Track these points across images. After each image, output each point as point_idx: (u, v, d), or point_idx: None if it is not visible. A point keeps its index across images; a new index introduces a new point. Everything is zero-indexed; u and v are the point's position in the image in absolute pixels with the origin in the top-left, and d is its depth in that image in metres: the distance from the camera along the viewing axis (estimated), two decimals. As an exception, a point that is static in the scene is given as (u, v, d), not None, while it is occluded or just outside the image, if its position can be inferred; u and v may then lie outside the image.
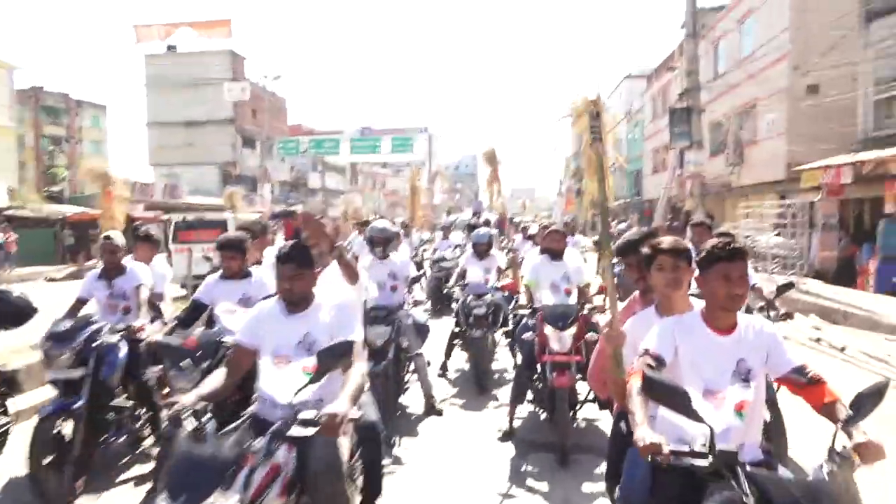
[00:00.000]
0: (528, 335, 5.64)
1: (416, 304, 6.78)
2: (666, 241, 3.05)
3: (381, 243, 6.50)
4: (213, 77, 43.09)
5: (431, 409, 6.38)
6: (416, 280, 6.81)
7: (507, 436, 5.69)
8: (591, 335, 5.32)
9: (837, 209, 16.40)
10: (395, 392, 6.04)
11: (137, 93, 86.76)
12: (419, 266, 12.69)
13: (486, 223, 13.79)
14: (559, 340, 5.28)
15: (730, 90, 22.93)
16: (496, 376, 7.77)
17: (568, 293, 6.04)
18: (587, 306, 5.78)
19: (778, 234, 14.78)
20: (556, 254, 6.22)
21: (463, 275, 8.18)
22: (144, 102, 47.21)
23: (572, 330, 5.32)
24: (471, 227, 14.65)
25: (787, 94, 19.42)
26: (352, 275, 3.85)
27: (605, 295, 8.18)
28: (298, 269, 3.18)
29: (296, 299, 3.21)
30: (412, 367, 6.41)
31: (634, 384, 2.43)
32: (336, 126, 64.13)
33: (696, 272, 2.67)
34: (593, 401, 5.51)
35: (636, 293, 3.45)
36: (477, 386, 7.21)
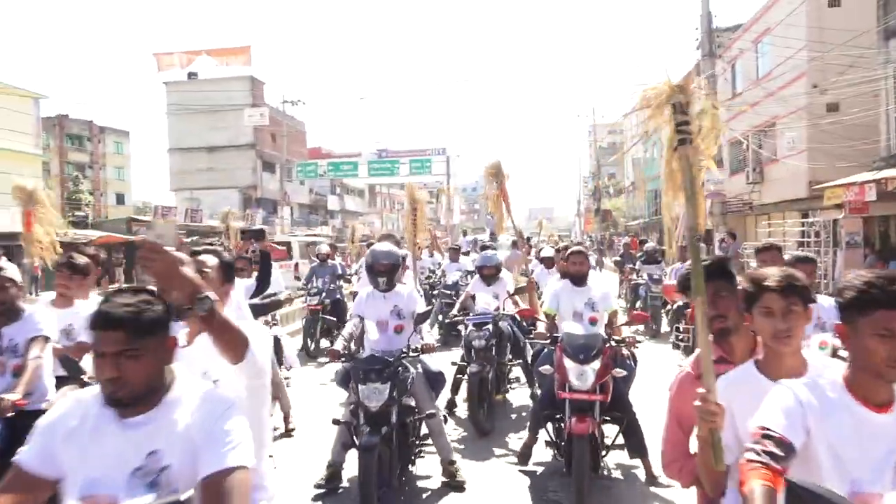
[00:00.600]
0: (546, 368, 4.98)
1: (426, 349, 4.96)
2: (773, 274, 2.19)
3: (386, 272, 5.14)
4: (233, 103, 43.75)
5: (452, 480, 5.04)
6: (424, 317, 5.19)
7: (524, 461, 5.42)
8: (618, 371, 4.80)
9: (861, 227, 16.23)
10: (403, 464, 4.90)
11: (159, 119, 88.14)
12: (429, 295, 12.03)
13: (514, 244, 13.58)
14: (580, 376, 4.57)
15: (748, 109, 22.89)
16: (513, 416, 7.12)
17: (593, 322, 5.44)
18: (615, 338, 5.08)
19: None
20: (579, 278, 5.65)
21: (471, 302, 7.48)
22: (166, 128, 48.02)
23: (596, 364, 4.61)
24: (484, 249, 14.37)
25: (807, 113, 19.35)
26: (232, 345, 2.07)
27: (635, 324, 7.87)
28: (133, 340, 1.71)
29: (130, 396, 1.73)
30: (424, 429, 5.16)
31: (757, 490, 1.61)
32: (354, 149, 64.48)
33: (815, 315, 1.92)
34: (622, 447, 4.99)
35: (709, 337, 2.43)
36: (476, 430, 6.31)
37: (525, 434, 5.60)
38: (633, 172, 50.35)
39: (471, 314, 7.10)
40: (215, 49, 44.35)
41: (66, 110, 55.43)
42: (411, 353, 4.91)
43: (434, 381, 5.17)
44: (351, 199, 63.95)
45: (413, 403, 4.92)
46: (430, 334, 5.61)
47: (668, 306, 10.78)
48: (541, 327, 5.62)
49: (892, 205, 14.92)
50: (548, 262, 9.34)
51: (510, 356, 7.25)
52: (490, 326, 6.65)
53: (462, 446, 6.08)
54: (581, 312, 5.49)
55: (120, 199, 57.04)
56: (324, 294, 10.87)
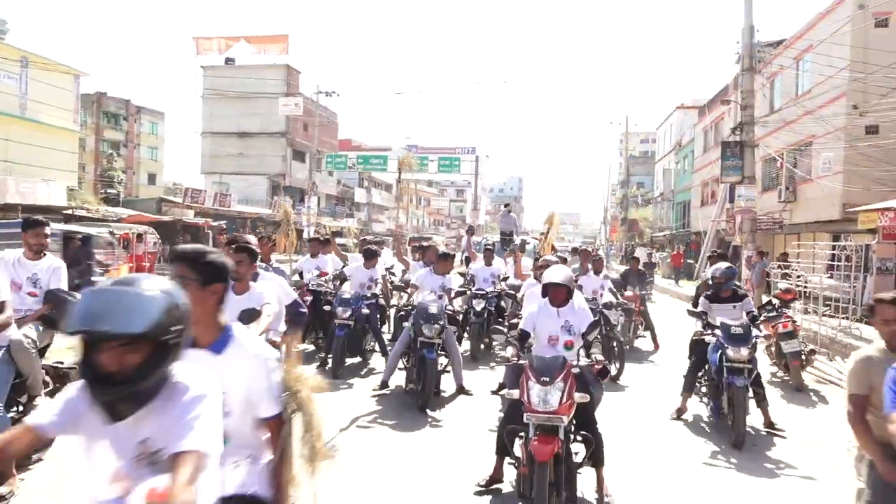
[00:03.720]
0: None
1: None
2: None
3: None
4: (268, 90, 44.14)
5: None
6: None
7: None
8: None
9: (894, 253, 15.94)
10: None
11: (194, 102, 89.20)
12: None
13: (576, 251, 12.61)
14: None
15: (785, 126, 22.57)
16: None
17: None
18: None
19: (830, 276, 14.42)
20: None
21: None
22: (200, 112, 48.58)
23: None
24: (487, 252, 11.34)
25: (845, 134, 19.04)
26: None
27: None
28: None
29: None
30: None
31: None
32: (384, 142, 64.76)
33: None
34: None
35: None
36: None
37: None
38: (663, 183, 49.90)
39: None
40: (254, 36, 44.85)
41: (105, 88, 56.34)
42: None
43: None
44: (378, 192, 64.19)
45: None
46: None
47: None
48: None
49: (928, 233, 14.62)
50: (557, 295, 5.00)
51: None
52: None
53: None
54: None
55: (151, 179, 57.80)
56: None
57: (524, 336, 5.04)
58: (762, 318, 7.42)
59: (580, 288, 9.44)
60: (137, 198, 42.71)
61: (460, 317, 9.73)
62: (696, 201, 38.59)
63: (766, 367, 10.24)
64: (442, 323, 7.42)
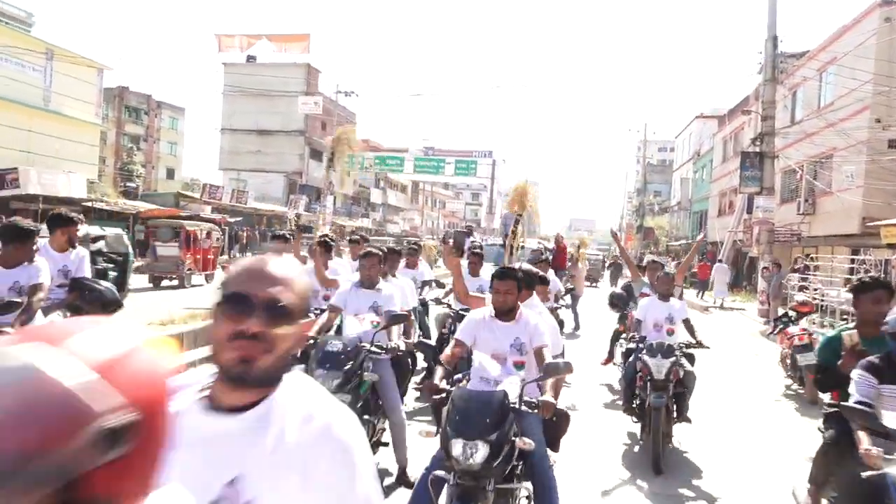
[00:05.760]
0: None
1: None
2: None
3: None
4: (288, 89, 44.36)
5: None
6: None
7: None
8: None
9: (913, 269, 15.77)
10: None
11: (214, 99, 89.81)
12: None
13: (540, 257, 9.53)
14: None
15: (806, 138, 22.39)
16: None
17: None
18: None
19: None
20: None
21: None
22: (220, 108, 48.93)
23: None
24: (474, 257, 8.18)
25: (867, 147, 18.87)
26: None
27: None
28: None
29: None
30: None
31: None
32: (401, 143, 64.88)
33: None
34: None
35: None
36: None
37: None
38: (680, 192, 49.62)
39: None
40: (276, 35, 45.17)
41: (127, 83, 56.93)
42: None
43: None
44: (394, 193, 64.30)
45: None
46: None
47: None
48: None
49: (949, 249, 14.47)
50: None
51: None
52: None
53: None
54: None
55: (170, 174, 58.26)
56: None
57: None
58: None
59: (638, 324, 6.51)
60: (156, 192, 43.07)
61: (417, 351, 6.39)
62: (713, 211, 38.37)
63: (780, 379, 10.17)
64: (350, 367, 4.50)
